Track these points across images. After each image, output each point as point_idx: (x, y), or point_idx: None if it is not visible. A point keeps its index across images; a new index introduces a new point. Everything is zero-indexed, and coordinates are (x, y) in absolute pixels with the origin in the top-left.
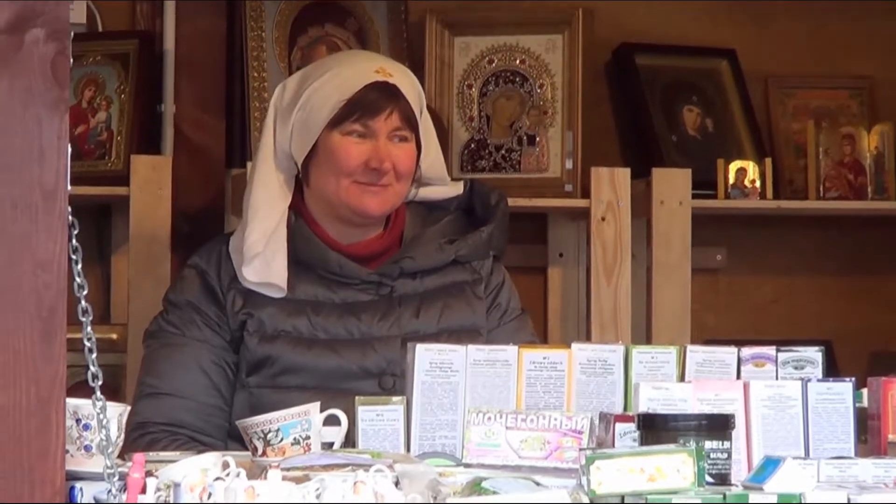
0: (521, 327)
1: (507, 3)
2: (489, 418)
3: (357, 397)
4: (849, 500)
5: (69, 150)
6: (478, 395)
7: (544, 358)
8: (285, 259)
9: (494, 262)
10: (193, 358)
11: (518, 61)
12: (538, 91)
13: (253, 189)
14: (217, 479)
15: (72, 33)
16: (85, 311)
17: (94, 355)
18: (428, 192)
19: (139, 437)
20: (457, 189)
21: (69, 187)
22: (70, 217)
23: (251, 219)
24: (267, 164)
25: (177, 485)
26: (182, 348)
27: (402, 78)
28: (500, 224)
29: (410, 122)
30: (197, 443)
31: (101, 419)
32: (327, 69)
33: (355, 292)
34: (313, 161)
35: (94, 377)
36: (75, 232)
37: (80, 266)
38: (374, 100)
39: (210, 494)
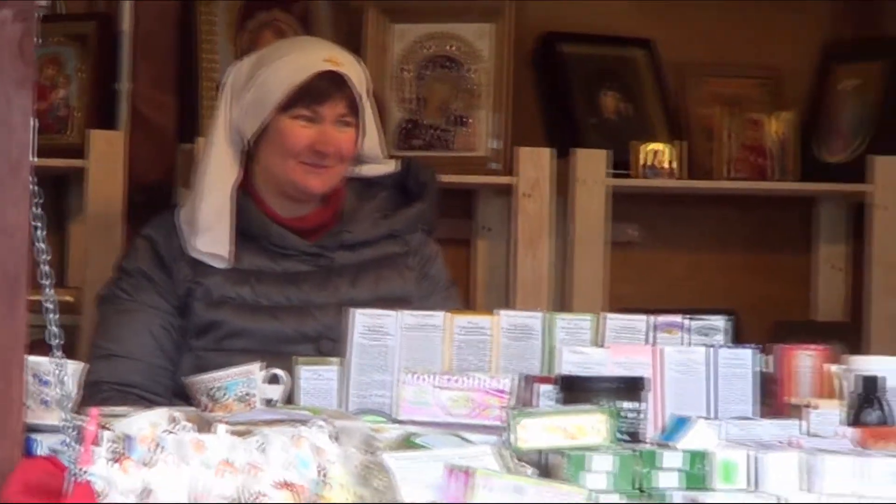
0: (450, 297)
1: None
2: (420, 379)
3: (297, 357)
4: (751, 456)
5: (35, 124)
6: (409, 358)
7: (471, 323)
8: (231, 232)
9: (426, 236)
10: (144, 323)
11: (451, 47)
12: (469, 76)
13: (204, 164)
14: (166, 432)
15: (38, 15)
16: (46, 276)
17: (55, 316)
18: (365, 170)
19: (93, 396)
20: (392, 167)
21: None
22: (34, 187)
23: (202, 193)
24: (219, 140)
25: (129, 437)
26: (133, 314)
27: (350, 67)
28: (432, 200)
29: (354, 109)
30: (145, 401)
31: (59, 375)
32: (281, 54)
33: (296, 263)
34: (262, 140)
35: (54, 336)
36: (40, 201)
37: (43, 233)
38: (323, 87)
39: (160, 446)
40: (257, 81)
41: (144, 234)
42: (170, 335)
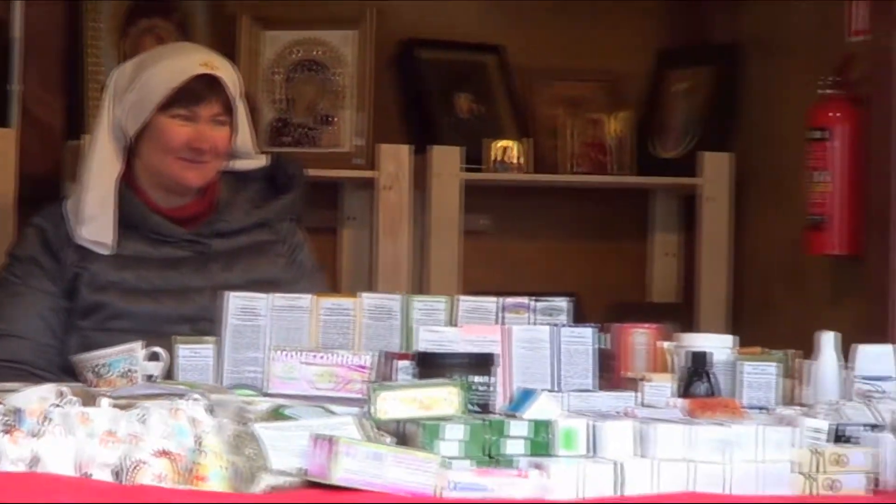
0: (317, 281)
1: (309, 3)
2: (288, 356)
3: (175, 336)
4: (590, 425)
5: None
6: (279, 336)
7: (335, 305)
8: (114, 221)
9: (294, 225)
10: (34, 305)
11: (317, 52)
12: (334, 78)
13: (89, 159)
14: (54, 405)
15: None
16: None
17: None
18: (238, 164)
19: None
20: (263, 161)
21: None
22: None
23: (87, 185)
24: (103, 137)
25: (19, 410)
26: (24, 296)
27: (224, 70)
28: (300, 192)
29: (229, 109)
30: (36, 377)
31: None
32: (161, 58)
33: (174, 249)
34: (143, 137)
35: None
36: None
37: None
38: (200, 89)
39: (48, 418)
40: (139, 83)
41: (34, 223)
42: (58, 316)
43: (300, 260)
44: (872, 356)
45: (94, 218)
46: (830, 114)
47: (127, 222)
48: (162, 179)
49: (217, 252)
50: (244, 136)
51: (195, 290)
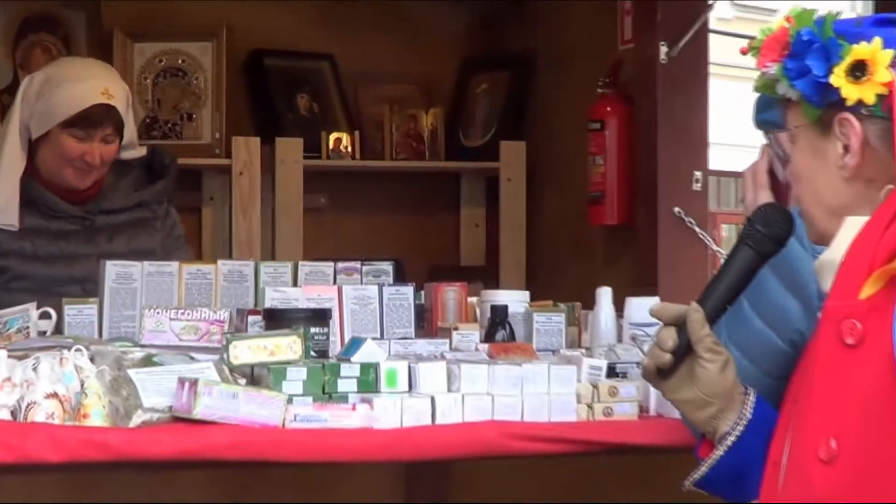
0: (185, 251)
1: (172, 19)
2: (158, 313)
3: (64, 298)
4: (409, 366)
5: None
6: (150, 297)
7: (198, 270)
8: (18, 204)
9: (168, 206)
10: None
11: (180, 61)
12: (195, 82)
13: (1, 153)
14: None
15: None
16: None
17: None
18: (123, 154)
19: None
20: (142, 152)
21: None
22: None
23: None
24: (12, 137)
25: None
26: None
27: (119, 95)
28: (172, 178)
29: (118, 128)
30: None
31: None
32: (67, 79)
33: (65, 223)
34: (43, 142)
35: None
36: None
37: None
38: (95, 116)
39: None
40: (45, 97)
41: None
42: None
43: (175, 235)
44: (641, 307)
45: (4, 212)
46: (605, 109)
47: (26, 199)
48: (56, 179)
49: (102, 226)
50: (130, 134)
51: (83, 257)
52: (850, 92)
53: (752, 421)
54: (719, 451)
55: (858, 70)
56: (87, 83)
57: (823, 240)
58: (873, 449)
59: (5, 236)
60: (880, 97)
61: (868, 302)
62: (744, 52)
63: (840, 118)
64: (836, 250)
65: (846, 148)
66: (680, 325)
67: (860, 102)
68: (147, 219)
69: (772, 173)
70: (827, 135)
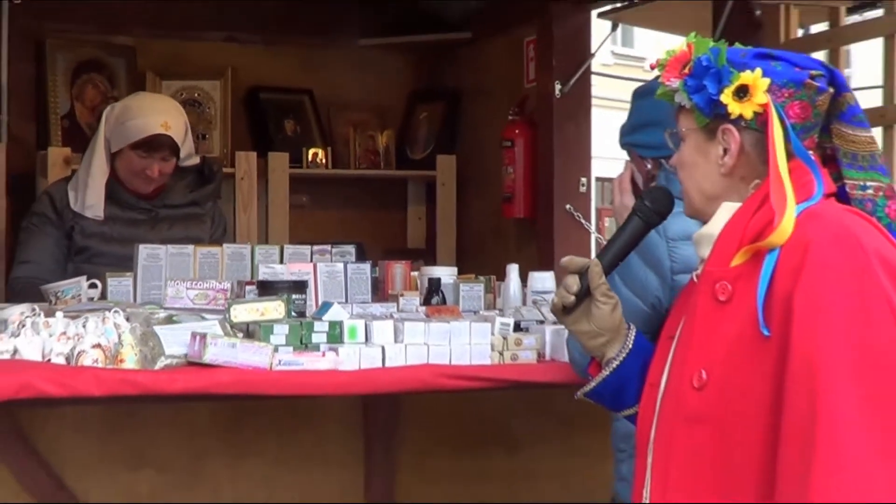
0: (226, 239)
1: (190, 63)
2: (177, 283)
3: (106, 272)
4: (366, 323)
5: None
6: (172, 272)
7: (209, 252)
8: (104, 201)
9: (215, 204)
10: (44, 242)
11: (196, 94)
12: (208, 111)
13: (92, 164)
14: (28, 317)
15: None
16: None
17: None
18: (182, 163)
19: (12, 286)
20: (196, 160)
21: None
22: None
23: (89, 183)
24: (99, 149)
25: (4, 321)
26: (38, 237)
27: (175, 126)
28: (218, 182)
29: (174, 150)
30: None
31: None
32: (136, 110)
33: (137, 214)
34: (119, 156)
35: None
36: None
37: None
38: (156, 143)
39: (23, 325)
40: (120, 122)
41: (47, 191)
42: (60, 252)
43: (220, 226)
44: (540, 279)
45: (94, 206)
46: (515, 131)
47: (108, 194)
48: (128, 183)
49: (164, 217)
50: (188, 149)
51: (149, 241)
52: (735, 108)
53: (632, 350)
54: (606, 372)
55: (742, 92)
56: (151, 117)
57: (697, 215)
58: (733, 380)
59: (91, 223)
60: (756, 114)
61: (737, 269)
62: (652, 67)
63: (724, 128)
64: (713, 227)
65: (725, 151)
66: (582, 274)
67: (741, 117)
68: (199, 214)
69: (633, 181)
70: (711, 139)
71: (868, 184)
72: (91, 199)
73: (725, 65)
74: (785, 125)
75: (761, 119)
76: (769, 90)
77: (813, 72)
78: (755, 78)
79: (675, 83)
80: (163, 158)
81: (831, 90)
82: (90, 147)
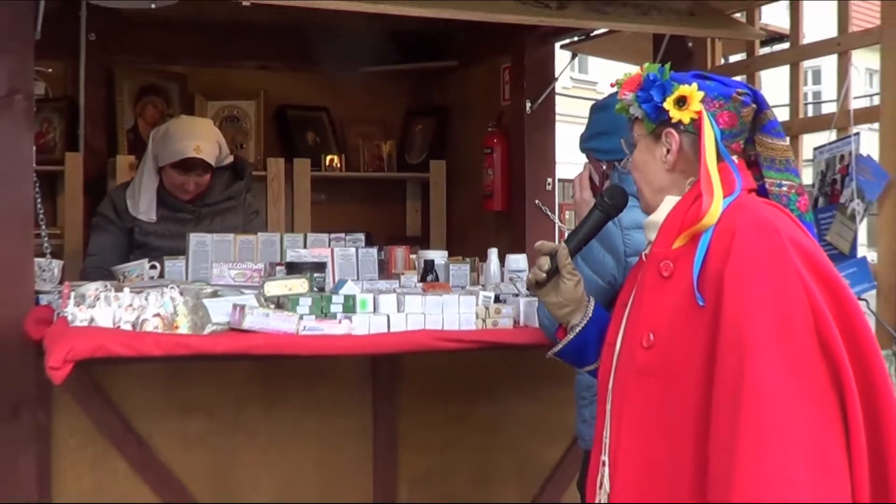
0: (258, 224)
1: (230, 87)
2: (221, 265)
3: (169, 257)
4: (374, 297)
5: (33, 151)
6: (217, 255)
7: (246, 240)
8: (155, 207)
9: (247, 195)
10: (106, 239)
11: (235, 112)
12: (245, 125)
13: (141, 174)
14: (101, 291)
15: (34, 97)
16: (44, 220)
17: (48, 241)
18: (218, 162)
19: (85, 273)
20: (230, 160)
21: (34, 166)
22: (35, 181)
23: (142, 191)
24: (149, 163)
25: (83, 294)
26: (103, 234)
27: (207, 149)
28: (248, 178)
29: (207, 167)
30: (107, 273)
31: (50, 267)
32: (175, 135)
33: (183, 214)
34: (163, 170)
35: (47, 249)
36: (38, 186)
37: (40, 202)
38: (189, 164)
39: (97, 297)
40: (163, 144)
41: (110, 195)
42: (119, 246)
43: (251, 214)
44: (515, 260)
45: (146, 211)
46: (493, 141)
47: (159, 200)
48: (172, 192)
49: (205, 214)
50: (223, 154)
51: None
52: (675, 114)
53: (592, 318)
54: (570, 336)
55: (681, 101)
56: (185, 142)
57: (649, 209)
58: (675, 341)
59: (146, 223)
60: (693, 120)
61: (677, 251)
62: (612, 86)
63: (667, 131)
64: (659, 216)
65: (668, 150)
66: (552, 255)
67: (680, 122)
68: (233, 207)
69: (591, 179)
70: (657, 141)
71: (783, 183)
72: (143, 206)
73: (669, 80)
74: (715, 130)
75: (696, 124)
76: (703, 101)
77: (739, 90)
78: (692, 90)
79: (629, 96)
80: (197, 175)
81: (754, 106)
82: (142, 161)
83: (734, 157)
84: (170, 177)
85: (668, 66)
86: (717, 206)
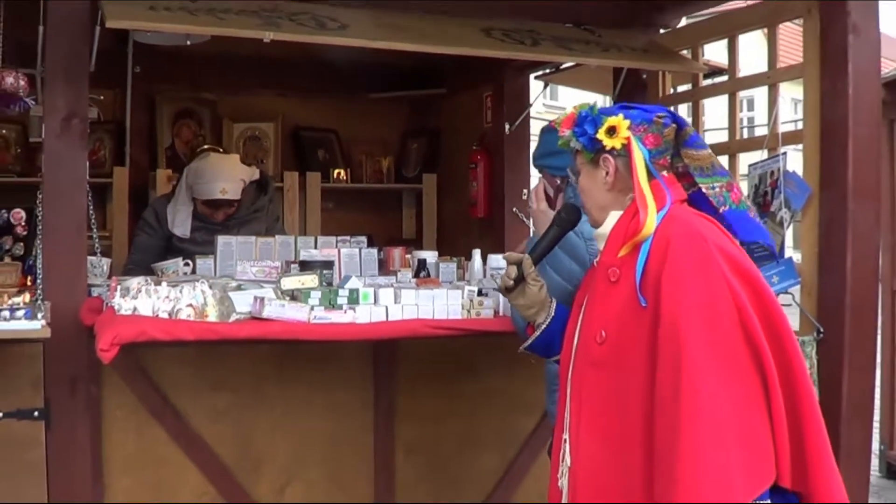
0: (279, 229)
1: (253, 110)
2: (244, 262)
3: (200, 256)
4: (374, 290)
5: (87, 166)
6: (240, 254)
7: (264, 241)
8: (189, 225)
9: (270, 205)
10: (148, 242)
11: (257, 132)
12: (265, 144)
13: (180, 202)
14: (143, 284)
15: (88, 120)
16: (95, 224)
17: (98, 242)
18: (247, 179)
19: (127, 270)
20: (256, 175)
21: (87, 179)
22: (88, 191)
23: (179, 212)
24: (184, 193)
25: (127, 287)
26: (145, 238)
27: (231, 188)
28: (271, 190)
29: (232, 203)
30: (146, 272)
31: (100, 264)
32: (202, 175)
33: (216, 227)
34: (196, 200)
35: (97, 249)
36: (90, 195)
37: (92, 210)
38: (215, 204)
39: (140, 290)
40: (193, 183)
41: (152, 204)
42: (157, 250)
43: (273, 220)
44: (495, 259)
45: (182, 229)
46: (477, 157)
47: (194, 215)
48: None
49: (233, 224)
50: (250, 176)
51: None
52: (608, 142)
53: (554, 317)
54: (537, 333)
55: (612, 131)
56: (213, 184)
57: (596, 224)
58: (622, 337)
59: (183, 236)
60: (623, 145)
61: (622, 259)
62: (552, 125)
63: (603, 157)
64: (605, 229)
65: (607, 173)
66: (519, 264)
67: (613, 148)
68: (258, 217)
69: (546, 192)
70: (597, 167)
71: (715, 185)
72: (179, 224)
73: (598, 114)
74: (643, 151)
75: (627, 148)
76: (630, 127)
77: (658, 114)
78: (619, 120)
79: (567, 133)
80: (224, 209)
81: (674, 125)
82: (179, 186)
83: (664, 172)
84: (202, 207)
85: (595, 103)
86: (651, 220)
